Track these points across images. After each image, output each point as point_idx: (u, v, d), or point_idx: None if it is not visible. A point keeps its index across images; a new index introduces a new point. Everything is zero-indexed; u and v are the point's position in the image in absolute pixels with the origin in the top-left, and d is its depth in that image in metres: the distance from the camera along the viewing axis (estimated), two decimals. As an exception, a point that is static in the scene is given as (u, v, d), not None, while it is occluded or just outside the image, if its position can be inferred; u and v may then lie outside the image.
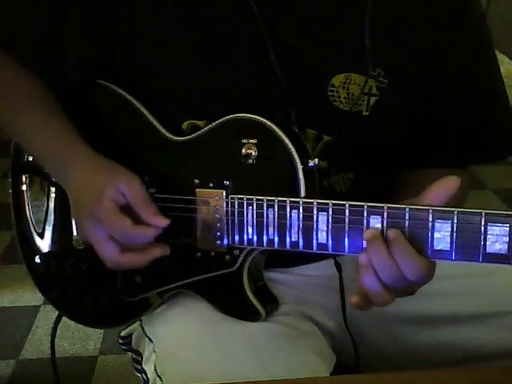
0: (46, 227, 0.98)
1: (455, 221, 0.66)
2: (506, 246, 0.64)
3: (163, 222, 0.81)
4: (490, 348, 0.91)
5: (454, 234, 0.66)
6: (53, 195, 0.97)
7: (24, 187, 0.99)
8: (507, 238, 0.64)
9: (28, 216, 0.99)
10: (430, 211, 0.67)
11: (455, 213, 0.66)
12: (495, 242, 0.64)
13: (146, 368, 0.91)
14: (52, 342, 1.04)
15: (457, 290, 0.93)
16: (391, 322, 0.95)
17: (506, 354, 0.89)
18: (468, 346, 0.92)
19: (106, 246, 0.82)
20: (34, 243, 0.98)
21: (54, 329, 1.02)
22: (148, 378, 0.89)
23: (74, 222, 0.92)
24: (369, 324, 0.96)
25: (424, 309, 0.93)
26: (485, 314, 0.92)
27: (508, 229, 0.64)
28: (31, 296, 2.16)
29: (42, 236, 0.98)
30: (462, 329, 0.92)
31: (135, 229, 0.80)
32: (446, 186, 0.67)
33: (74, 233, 0.93)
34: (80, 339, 2.00)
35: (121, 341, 1.04)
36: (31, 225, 0.99)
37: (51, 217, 0.97)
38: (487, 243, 0.65)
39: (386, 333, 0.96)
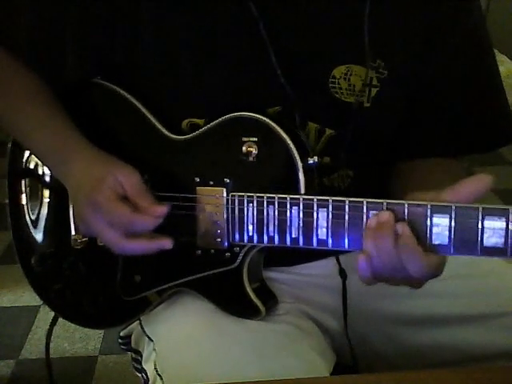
0: (44, 228, 0.98)
1: (453, 215, 0.66)
2: (503, 240, 0.65)
3: (160, 209, 0.81)
4: (489, 348, 0.91)
5: (452, 229, 0.67)
6: (50, 196, 0.97)
7: (21, 189, 0.99)
8: (504, 232, 0.65)
9: (25, 217, 0.99)
10: (428, 206, 0.67)
11: (453, 207, 0.66)
12: (492, 235, 0.65)
13: (145, 367, 0.91)
14: (47, 344, 1.04)
15: (456, 291, 0.93)
16: (390, 323, 0.95)
17: (505, 354, 0.89)
18: (467, 347, 0.92)
19: (106, 232, 0.81)
20: (31, 245, 0.98)
21: (50, 330, 1.03)
22: (148, 377, 0.89)
23: (72, 222, 0.92)
24: (367, 325, 0.96)
25: (423, 309, 0.93)
26: (484, 315, 0.92)
27: (504, 223, 0.64)
28: (31, 296, 2.12)
29: (39, 237, 0.98)
30: (461, 329, 0.92)
31: (134, 215, 0.80)
32: (478, 183, 0.66)
33: (73, 232, 0.93)
34: (80, 339, 2.00)
35: (120, 341, 1.04)
36: (29, 226, 0.98)
37: (49, 217, 0.97)
38: (484, 237, 0.65)
39: (385, 333, 0.96)
